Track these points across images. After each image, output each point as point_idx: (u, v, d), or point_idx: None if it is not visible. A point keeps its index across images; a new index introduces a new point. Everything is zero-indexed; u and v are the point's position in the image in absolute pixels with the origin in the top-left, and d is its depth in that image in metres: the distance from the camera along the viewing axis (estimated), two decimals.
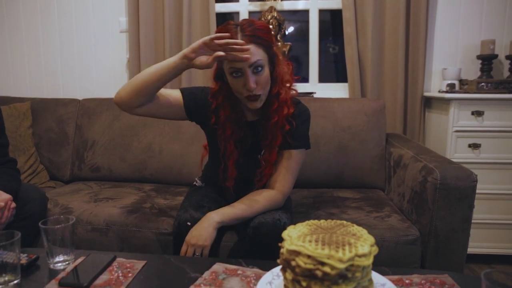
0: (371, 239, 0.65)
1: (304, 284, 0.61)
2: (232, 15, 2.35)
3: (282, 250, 0.66)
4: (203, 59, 1.05)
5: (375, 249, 0.64)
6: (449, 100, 1.80)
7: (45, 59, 2.36)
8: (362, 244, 0.62)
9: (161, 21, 2.15)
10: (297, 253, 0.62)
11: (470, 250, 1.58)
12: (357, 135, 1.76)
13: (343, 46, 2.07)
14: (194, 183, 1.45)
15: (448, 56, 2.10)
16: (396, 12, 1.99)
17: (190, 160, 1.82)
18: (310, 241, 0.63)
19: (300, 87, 1.70)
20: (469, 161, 1.76)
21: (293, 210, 1.38)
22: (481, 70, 1.95)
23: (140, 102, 1.14)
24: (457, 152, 1.81)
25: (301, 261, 0.61)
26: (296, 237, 0.65)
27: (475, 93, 1.81)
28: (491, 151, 1.79)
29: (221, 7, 2.28)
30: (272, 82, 1.14)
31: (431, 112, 2.06)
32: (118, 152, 1.91)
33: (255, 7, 2.26)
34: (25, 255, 0.92)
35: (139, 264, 0.92)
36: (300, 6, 2.24)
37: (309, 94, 2.06)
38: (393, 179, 1.64)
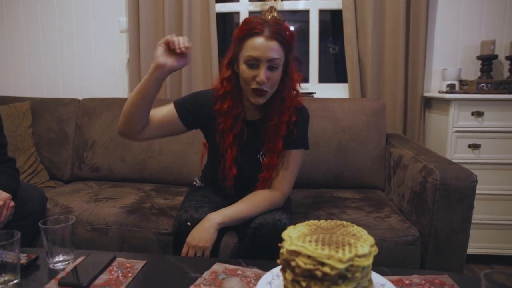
0: (371, 240, 0.65)
1: (304, 284, 0.61)
2: (232, 15, 2.35)
3: (282, 250, 0.66)
4: (173, 62, 1.07)
5: (375, 250, 0.64)
6: (449, 101, 1.80)
7: (45, 59, 2.36)
8: (362, 244, 0.62)
9: (161, 21, 2.15)
10: (297, 253, 0.62)
11: (470, 250, 1.58)
12: (357, 135, 1.76)
13: (343, 46, 2.07)
14: (194, 183, 1.45)
15: (448, 56, 2.10)
16: (396, 12, 1.99)
17: (190, 160, 1.82)
18: (310, 242, 0.63)
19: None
20: (469, 162, 1.76)
21: (293, 210, 1.38)
22: (481, 70, 1.95)
23: (137, 127, 1.14)
24: (457, 152, 1.81)
25: (301, 262, 0.61)
26: (296, 237, 0.65)
27: (475, 93, 1.81)
28: (491, 152, 1.79)
29: (221, 7, 2.28)
30: (281, 86, 1.16)
31: (431, 113, 2.06)
32: (118, 152, 1.91)
33: (255, 7, 2.26)
34: (25, 255, 0.92)
35: (139, 264, 0.92)
36: (300, 6, 2.24)
37: (309, 94, 2.06)
38: (393, 180, 1.64)
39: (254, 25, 1.09)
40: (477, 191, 1.24)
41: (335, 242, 0.62)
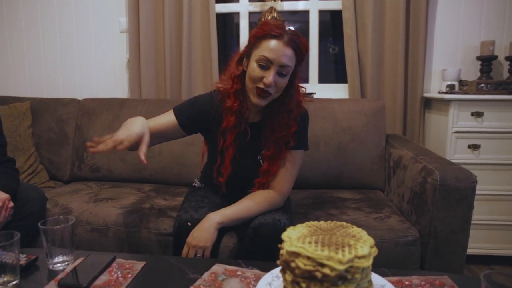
0: (370, 241, 0.65)
1: (303, 285, 0.61)
2: (232, 16, 2.35)
3: (281, 251, 0.66)
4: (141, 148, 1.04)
5: (374, 251, 0.64)
6: (448, 101, 1.80)
7: (45, 59, 2.36)
8: (362, 245, 0.62)
9: (161, 21, 2.15)
10: (296, 255, 0.62)
11: (470, 251, 1.58)
12: (357, 136, 1.76)
13: (343, 47, 2.07)
14: (193, 183, 1.45)
15: (448, 57, 2.10)
16: (396, 13, 1.99)
17: (190, 161, 1.82)
18: (309, 243, 0.63)
19: None
20: (468, 162, 1.76)
21: (292, 211, 1.38)
22: (481, 71, 1.95)
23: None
24: (456, 153, 1.81)
25: (300, 263, 0.61)
26: (295, 238, 0.65)
27: (474, 94, 1.81)
28: (490, 152, 1.79)
29: (221, 8, 2.28)
30: (287, 98, 1.17)
31: (431, 113, 2.06)
32: (118, 153, 1.90)
33: (255, 7, 2.26)
34: (24, 255, 0.92)
35: (138, 265, 0.92)
36: (300, 6, 2.24)
37: (309, 94, 2.06)
38: (393, 180, 1.64)
39: (274, 28, 1.09)
40: (476, 192, 1.24)
41: (334, 243, 0.62)
